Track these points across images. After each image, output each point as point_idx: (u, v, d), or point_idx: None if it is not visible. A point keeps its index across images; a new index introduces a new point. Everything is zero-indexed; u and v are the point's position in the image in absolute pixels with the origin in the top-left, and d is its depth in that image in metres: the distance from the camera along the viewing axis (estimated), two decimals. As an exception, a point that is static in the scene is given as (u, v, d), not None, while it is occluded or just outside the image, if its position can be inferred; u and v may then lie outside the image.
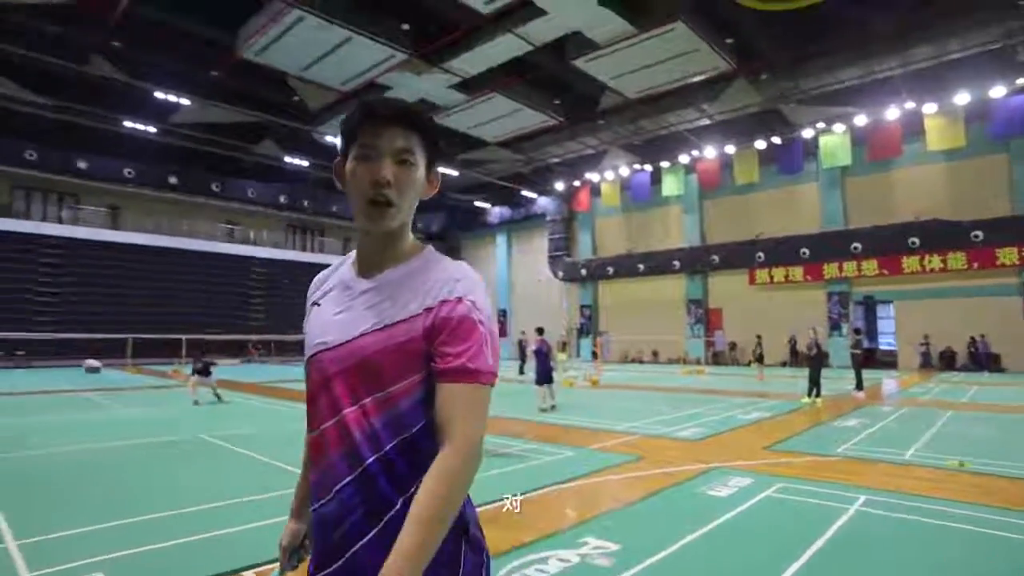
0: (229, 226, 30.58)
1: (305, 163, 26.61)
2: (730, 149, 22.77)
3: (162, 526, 4.13)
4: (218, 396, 11.65)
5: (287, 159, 26.30)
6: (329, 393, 1.08)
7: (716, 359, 26.39)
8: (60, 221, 26.00)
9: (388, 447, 1.04)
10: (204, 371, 11.53)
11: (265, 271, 30.67)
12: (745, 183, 23.27)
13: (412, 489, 1.01)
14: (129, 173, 26.61)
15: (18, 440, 7.41)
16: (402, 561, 0.90)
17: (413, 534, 0.92)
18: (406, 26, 16.52)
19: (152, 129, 22.58)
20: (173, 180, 27.70)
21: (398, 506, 1.03)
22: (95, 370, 19.33)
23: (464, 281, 1.07)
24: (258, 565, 3.42)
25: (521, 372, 19.14)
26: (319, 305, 1.19)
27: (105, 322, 24.27)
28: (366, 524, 1.02)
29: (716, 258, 26.01)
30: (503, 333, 32.95)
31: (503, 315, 35.64)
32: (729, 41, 16.38)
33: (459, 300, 1.05)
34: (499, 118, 21.98)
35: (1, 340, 21.76)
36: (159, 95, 19.36)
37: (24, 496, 4.96)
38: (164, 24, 16.26)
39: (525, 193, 32.23)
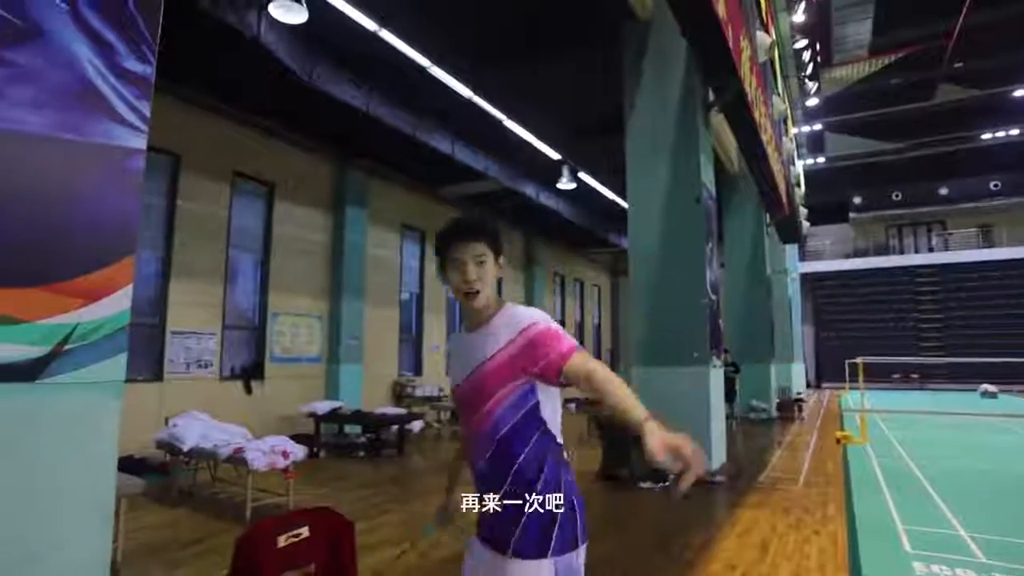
0: None
1: None
2: None
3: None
4: None
5: None
6: (465, 409, 1.65)
7: None
8: (930, 250, 27.69)
9: (505, 429, 1.55)
10: None
11: None
12: None
13: (525, 450, 1.55)
14: (995, 186, 26.00)
15: (914, 450, 8.82)
16: (637, 410, 1.36)
17: (626, 403, 1.39)
18: None
19: (1015, 132, 21.95)
20: (1056, 177, 24.98)
21: (520, 461, 1.55)
22: (991, 395, 19.43)
23: (528, 314, 1.58)
24: None
25: None
26: (451, 356, 1.78)
27: (996, 345, 23.42)
28: (499, 485, 1.56)
29: None
30: None
31: None
32: None
33: (533, 323, 1.54)
34: None
35: (897, 364, 23.98)
36: (1018, 93, 19.25)
37: (906, 493, 6.05)
38: (1001, 22, 15.84)
39: None
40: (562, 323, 20.70)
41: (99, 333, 1.26)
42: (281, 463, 5.40)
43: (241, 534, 2.16)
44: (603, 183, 14.44)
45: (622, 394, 1.40)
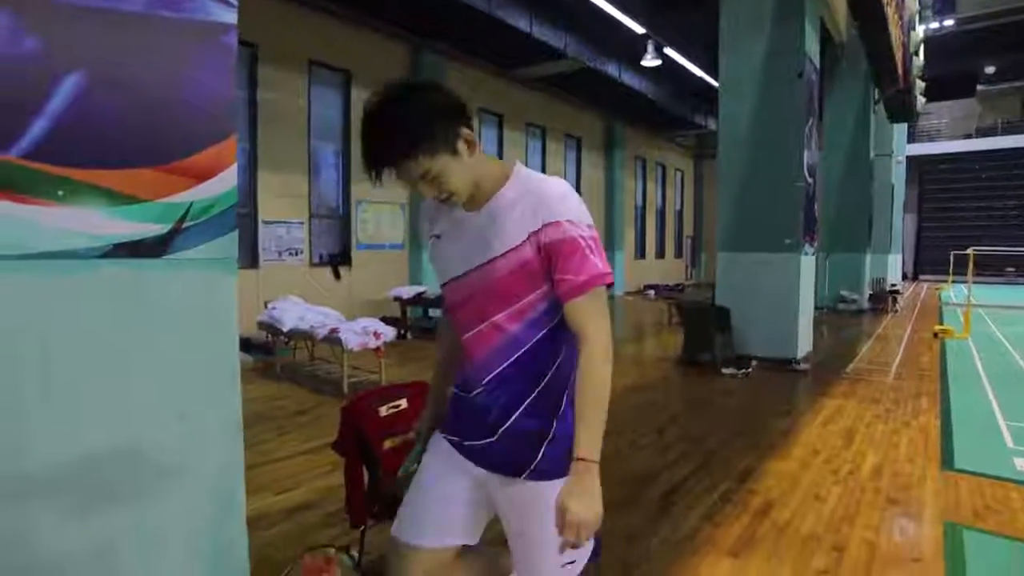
0: None
1: None
2: None
3: None
4: None
5: None
6: (467, 311, 1.28)
7: None
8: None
9: (528, 345, 1.23)
10: None
11: None
12: None
13: (555, 366, 1.25)
14: None
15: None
16: (587, 440, 1.13)
17: (585, 420, 1.14)
18: None
19: None
20: None
21: (547, 378, 1.25)
22: None
23: (558, 201, 1.19)
24: None
25: None
26: (439, 238, 1.34)
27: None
28: (515, 402, 1.25)
29: None
30: None
31: None
32: None
33: (557, 223, 1.16)
34: None
35: (1014, 257, 20.78)
36: None
37: (1012, 389, 5.78)
38: None
39: None
40: (643, 209, 20.34)
41: (211, 211, 1.31)
42: (373, 343, 5.74)
43: (346, 403, 2.33)
44: (691, 59, 13.37)
45: (592, 402, 1.15)
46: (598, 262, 1.18)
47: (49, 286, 1.11)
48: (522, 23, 10.02)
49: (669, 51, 12.48)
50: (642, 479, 3.50)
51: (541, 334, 1.24)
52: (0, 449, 1.08)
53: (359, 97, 10.33)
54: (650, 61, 12.15)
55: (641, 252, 20.47)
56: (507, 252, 1.20)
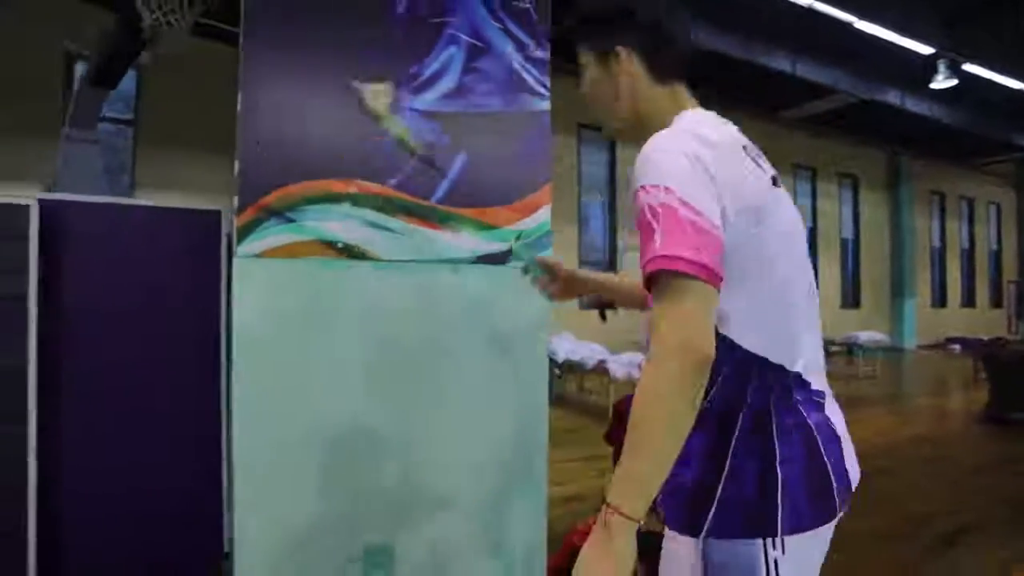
0: None
1: None
2: None
3: None
4: None
5: None
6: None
7: None
8: None
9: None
10: None
11: None
12: None
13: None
14: None
15: None
16: (616, 480, 0.79)
17: (625, 454, 0.79)
18: None
19: None
20: None
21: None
22: None
23: (639, 165, 0.87)
24: None
25: None
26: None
27: None
28: None
29: None
30: None
31: None
32: None
33: (635, 194, 0.85)
34: None
35: None
36: None
37: None
38: None
39: None
40: (941, 251, 17.55)
41: (534, 235, 1.94)
42: (638, 374, 6.20)
43: (617, 400, 2.82)
44: (999, 70, 11.54)
45: (641, 436, 0.79)
46: (657, 239, 0.80)
47: (442, 281, 1.82)
48: (784, 64, 9.92)
49: (968, 67, 11.02)
50: (921, 519, 3.30)
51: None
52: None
53: (622, 155, 11.19)
54: (942, 82, 10.88)
55: (940, 300, 17.62)
56: None
